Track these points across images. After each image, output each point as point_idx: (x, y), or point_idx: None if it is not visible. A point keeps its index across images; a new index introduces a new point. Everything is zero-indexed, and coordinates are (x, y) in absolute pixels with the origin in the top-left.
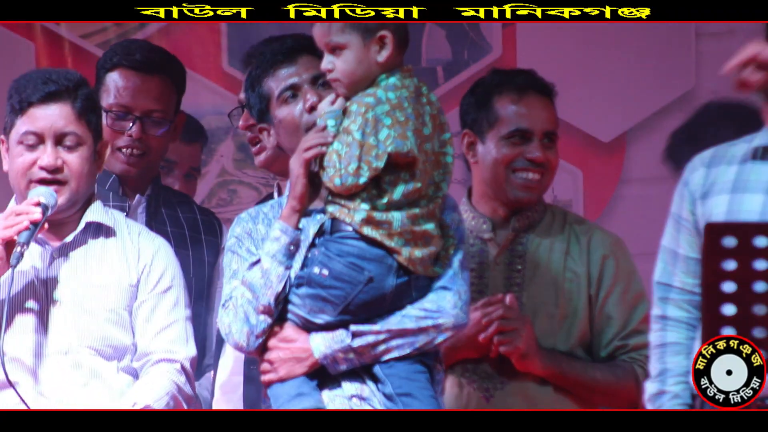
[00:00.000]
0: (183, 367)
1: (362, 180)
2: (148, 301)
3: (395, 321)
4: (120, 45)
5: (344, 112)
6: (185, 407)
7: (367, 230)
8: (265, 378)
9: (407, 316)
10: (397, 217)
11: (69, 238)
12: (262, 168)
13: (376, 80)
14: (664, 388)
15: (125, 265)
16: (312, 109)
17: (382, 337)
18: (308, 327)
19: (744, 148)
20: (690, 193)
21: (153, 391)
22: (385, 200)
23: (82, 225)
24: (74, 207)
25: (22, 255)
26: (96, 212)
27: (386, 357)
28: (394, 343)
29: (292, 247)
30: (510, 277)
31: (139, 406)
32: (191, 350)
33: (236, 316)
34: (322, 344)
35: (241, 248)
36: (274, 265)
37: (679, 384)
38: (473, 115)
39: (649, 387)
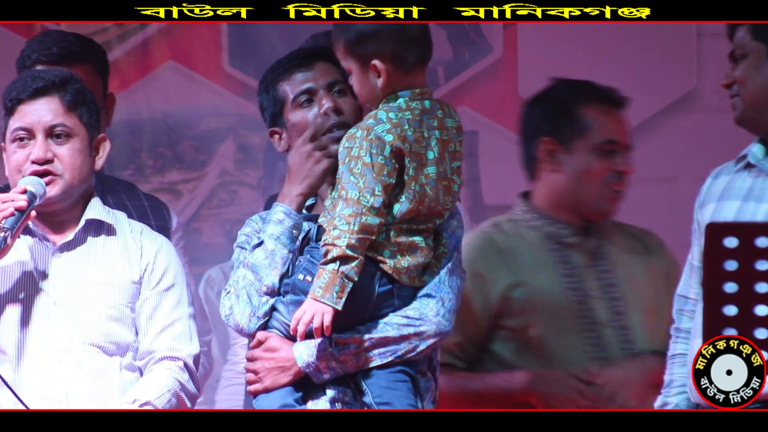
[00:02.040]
0: (186, 365)
1: (383, 199)
2: (150, 299)
3: (377, 329)
4: (35, 40)
5: (348, 138)
6: (189, 405)
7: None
8: (250, 388)
9: (389, 324)
10: (382, 229)
11: (70, 236)
12: None
13: (383, 100)
14: (666, 400)
15: (127, 263)
16: (326, 114)
17: (363, 345)
18: (293, 336)
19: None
20: (697, 203)
21: (155, 388)
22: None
23: (82, 222)
24: (69, 199)
25: (5, 240)
26: (96, 210)
27: (369, 365)
28: (375, 351)
29: (294, 231)
30: (601, 279)
31: (139, 403)
32: (194, 348)
33: (239, 298)
34: (304, 353)
35: (249, 244)
36: (279, 247)
37: (680, 395)
38: (554, 123)
39: (658, 399)
